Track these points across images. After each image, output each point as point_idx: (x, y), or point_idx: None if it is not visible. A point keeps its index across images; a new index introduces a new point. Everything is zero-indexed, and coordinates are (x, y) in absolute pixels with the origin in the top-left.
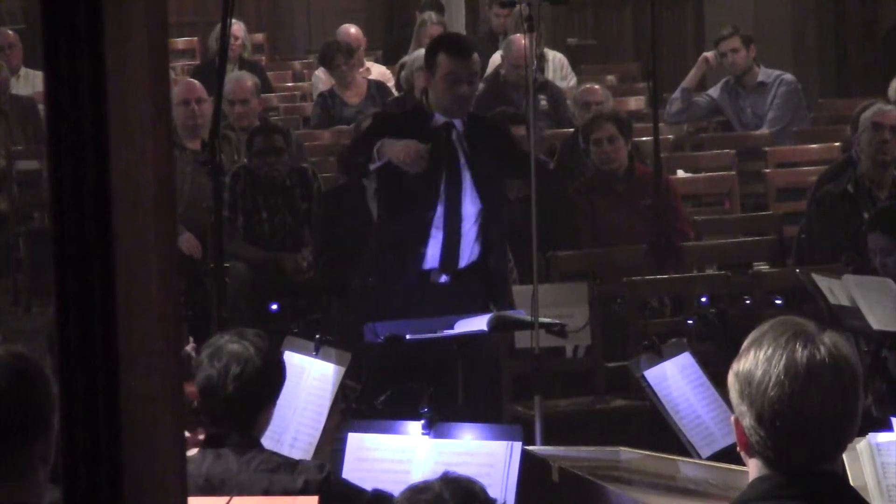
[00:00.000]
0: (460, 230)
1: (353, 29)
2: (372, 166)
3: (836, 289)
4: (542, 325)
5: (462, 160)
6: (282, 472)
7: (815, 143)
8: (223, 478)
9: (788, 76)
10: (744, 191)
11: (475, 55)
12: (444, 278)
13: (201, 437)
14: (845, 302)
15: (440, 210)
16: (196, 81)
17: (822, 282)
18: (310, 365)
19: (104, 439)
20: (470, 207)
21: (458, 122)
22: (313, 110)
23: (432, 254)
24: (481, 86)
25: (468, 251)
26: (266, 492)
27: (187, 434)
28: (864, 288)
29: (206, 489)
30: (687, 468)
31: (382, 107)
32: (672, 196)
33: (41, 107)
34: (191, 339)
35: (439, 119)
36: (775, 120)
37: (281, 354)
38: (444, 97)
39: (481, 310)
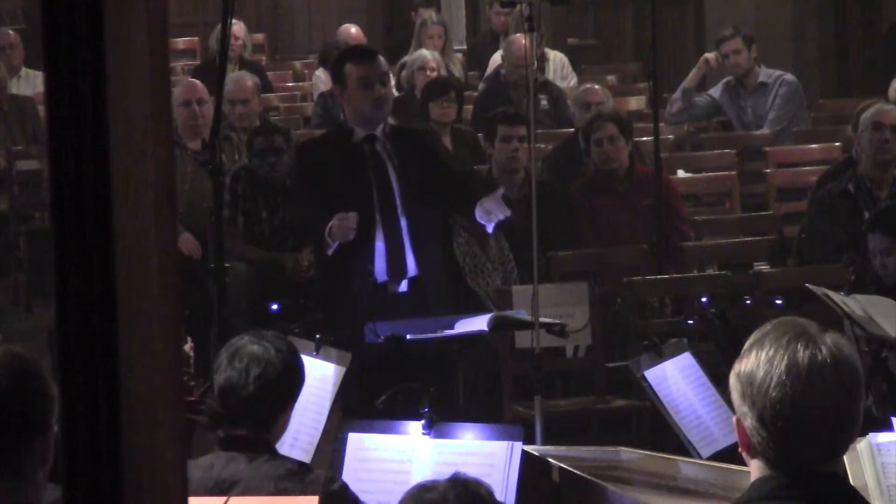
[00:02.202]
0: (402, 238)
1: (353, 29)
2: (329, 251)
3: (850, 303)
4: (542, 325)
5: (390, 169)
6: (291, 481)
7: (815, 143)
8: (233, 481)
9: (789, 76)
10: (744, 191)
11: (380, 57)
12: (402, 287)
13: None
14: (861, 313)
15: (377, 222)
16: (198, 82)
17: (836, 297)
18: (310, 365)
19: (104, 439)
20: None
21: (378, 134)
22: (314, 110)
23: (379, 266)
24: (481, 86)
25: (415, 258)
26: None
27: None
28: (871, 305)
29: (215, 492)
30: (687, 468)
31: None
32: (672, 196)
33: (41, 107)
34: (189, 338)
35: (360, 133)
36: (776, 120)
37: (299, 356)
38: (361, 104)
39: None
